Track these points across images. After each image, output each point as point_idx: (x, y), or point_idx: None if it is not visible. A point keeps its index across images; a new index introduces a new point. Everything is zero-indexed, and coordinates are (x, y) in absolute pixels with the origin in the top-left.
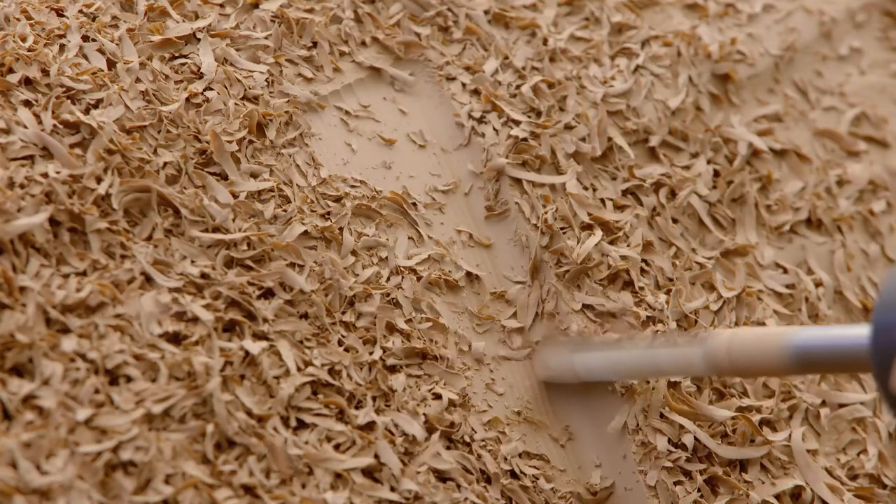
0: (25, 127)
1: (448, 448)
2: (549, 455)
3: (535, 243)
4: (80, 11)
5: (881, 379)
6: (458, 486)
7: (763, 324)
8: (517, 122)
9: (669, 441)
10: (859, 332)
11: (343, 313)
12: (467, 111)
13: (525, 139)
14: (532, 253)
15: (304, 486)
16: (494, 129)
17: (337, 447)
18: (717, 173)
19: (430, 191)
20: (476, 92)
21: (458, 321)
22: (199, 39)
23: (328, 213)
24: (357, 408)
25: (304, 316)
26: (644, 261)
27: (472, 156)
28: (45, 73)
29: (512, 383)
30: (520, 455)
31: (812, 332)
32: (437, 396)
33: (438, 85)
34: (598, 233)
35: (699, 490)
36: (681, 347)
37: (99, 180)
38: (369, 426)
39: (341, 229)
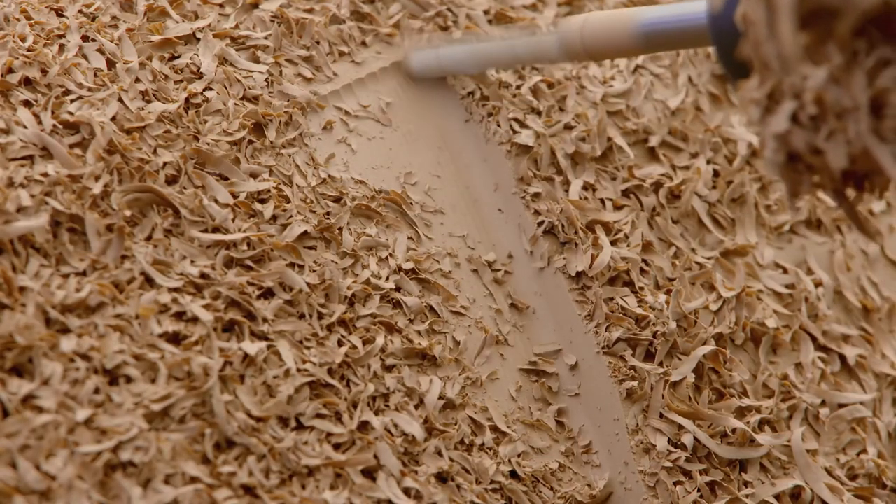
0: (25, 127)
1: (448, 448)
2: (549, 456)
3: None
4: (80, 11)
5: (718, 48)
6: (458, 487)
7: (764, 324)
8: (523, 124)
9: (669, 441)
10: (698, 7)
11: (343, 313)
12: (470, 110)
13: (530, 147)
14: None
15: (304, 487)
16: (499, 125)
17: (337, 447)
18: (717, 173)
19: (429, 191)
20: (479, 92)
21: (458, 321)
22: (198, 39)
23: (328, 213)
24: (356, 408)
25: (304, 316)
26: (644, 261)
27: (473, 155)
28: (45, 72)
29: (513, 383)
30: (520, 455)
31: (658, 10)
32: (437, 397)
33: (442, 84)
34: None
35: (699, 490)
36: (537, 36)
37: (98, 180)
38: (369, 426)
39: (341, 229)
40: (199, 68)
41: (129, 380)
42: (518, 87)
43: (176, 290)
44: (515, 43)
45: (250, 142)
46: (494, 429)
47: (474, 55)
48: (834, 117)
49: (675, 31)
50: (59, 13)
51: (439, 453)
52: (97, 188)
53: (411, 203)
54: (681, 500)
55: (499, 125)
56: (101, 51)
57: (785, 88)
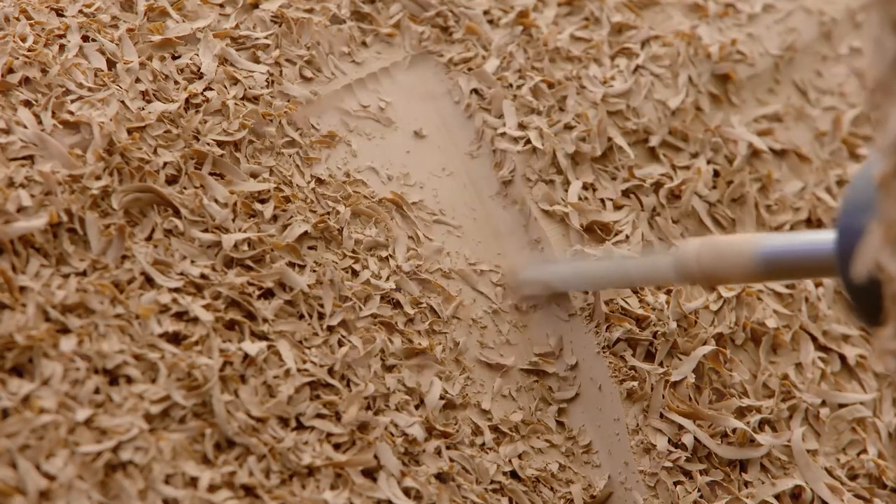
0: (25, 127)
1: (448, 448)
2: (549, 456)
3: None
4: (80, 11)
5: (846, 282)
6: (459, 487)
7: (764, 324)
8: (524, 124)
9: (669, 441)
10: (825, 237)
11: (343, 313)
12: (471, 110)
13: (531, 147)
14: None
15: (304, 487)
16: (500, 125)
17: (337, 447)
18: (717, 173)
19: (429, 191)
20: (479, 92)
21: (458, 321)
22: (199, 39)
23: (328, 213)
24: (357, 408)
25: (304, 316)
26: None
27: (473, 155)
28: (45, 72)
29: (513, 383)
30: (520, 456)
31: (780, 238)
32: (438, 396)
33: (442, 84)
34: None
35: (699, 490)
36: (651, 257)
37: (98, 180)
38: (369, 426)
39: (341, 229)
40: (199, 68)
41: (129, 380)
42: (518, 88)
43: (176, 290)
44: (628, 264)
45: (250, 142)
46: (494, 429)
47: (586, 275)
48: None
49: (799, 262)
50: (60, 13)
51: (439, 453)
52: (97, 188)
53: (411, 203)
54: (681, 500)
55: (499, 125)
56: (101, 51)
57: None
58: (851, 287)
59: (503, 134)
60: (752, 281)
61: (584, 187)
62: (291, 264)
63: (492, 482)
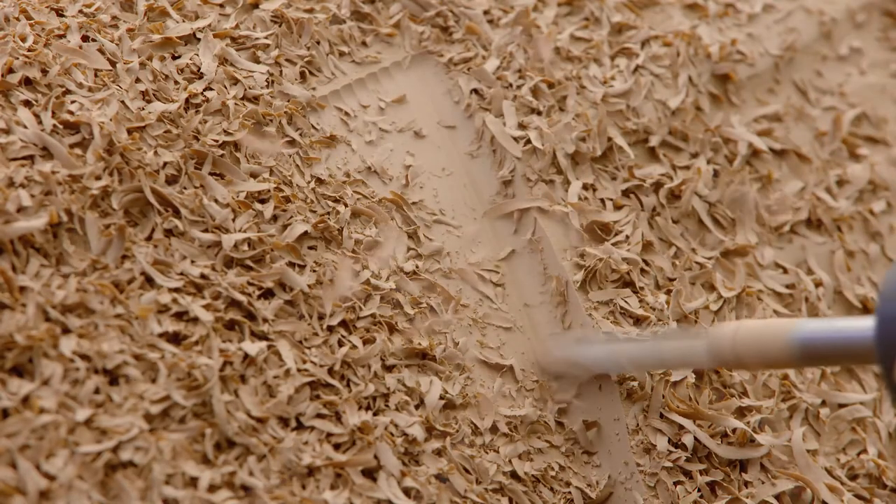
0: (25, 127)
1: (448, 448)
2: (549, 456)
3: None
4: (80, 11)
5: (886, 369)
6: (459, 487)
7: None
8: (524, 124)
9: (669, 441)
10: (864, 324)
11: (343, 313)
12: (471, 110)
13: (531, 147)
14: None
15: (304, 487)
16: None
17: (337, 447)
18: (717, 173)
19: (429, 191)
20: (479, 92)
21: (458, 321)
22: (199, 39)
23: (328, 213)
24: (357, 408)
25: (304, 316)
26: (644, 261)
27: (473, 155)
28: (45, 72)
29: (513, 383)
30: (520, 456)
31: (816, 324)
32: (438, 397)
33: (442, 84)
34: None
35: (699, 490)
36: (685, 340)
37: (99, 180)
38: (369, 427)
39: (341, 229)
40: (199, 68)
41: (129, 380)
42: (518, 88)
43: (176, 290)
44: (662, 347)
45: None
46: (494, 429)
47: (619, 358)
48: None
49: (836, 348)
50: (60, 13)
51: (439, 453)
52: (97, 188)
53: (411, 203)
54: (681, 500)
55: (500, 125)
56: (101, 51)
57: None
58: (891, 375)
59: (503, 134)
60: (788, 367)
61: (584, 187)
62: (291, 264)
63: (492, 482)
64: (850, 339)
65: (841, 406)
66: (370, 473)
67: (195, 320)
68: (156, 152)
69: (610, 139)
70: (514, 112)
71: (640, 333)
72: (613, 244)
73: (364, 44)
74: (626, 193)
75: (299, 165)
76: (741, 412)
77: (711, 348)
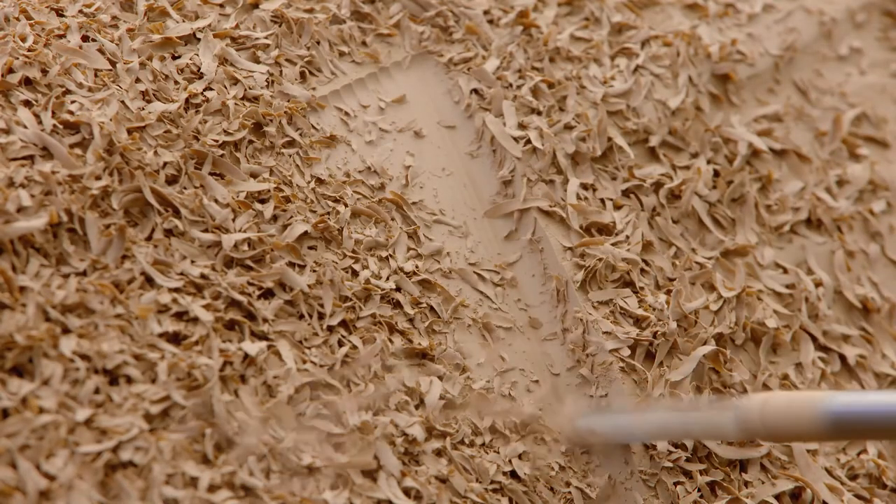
0: (25, 127)
1: (448, 448)
2: (550, 456)
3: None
4: (80, 11)
5: None
6: (459, 487)
7: (764, 324)
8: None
9: (669, 441)
10: None
11: (343, 313)
12: (471, 111)
13: (531, 147)
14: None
15: (304, 487)
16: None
17: (337, 447)
18: (717, 173)
19: (429, 191)
20: (479, 92)
21: (458, 321)
22: (199, 39)
23: (328, 213)
24: (357, 408)
25: (304, 316)
26: (644, 261)
27: (473, 155)
28: (45, 72)
29: (513, 383)
30: (520, 456)
31: (848, 397)
32: (437, 396)
33: (442, 84)
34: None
35: (699, 490)
36: (712, 411)
37: (99, 180)
38: (369, 427)
39: (341, 229)
40: (199, 68)
41: (129, 380)
42: (518, 88)
43: (176, 290)
44: (689, 419)
45: (250, 142)
46: (494, 429)
47: (645, 428)
48: None
49: (869, 422)
50: (60, 13)
51: (439, 453)
52: (97, 188)
53: (411, 203)
54: (681, 500)
55: (500, 125)
56: (101, 51)
57: None
58: None
59: (503, 134)
60: (819, 440)
61: (585, 187)
62: (291, 264)
63: (492, 482)
64: (882, 413)
65: None
66: (370, 473)
67: (195, 320)
68: (156, 152)
69: (610, 139)
70: (514, 112)
71: (665, 403)
72: (613, 244)
73: (364, 44)
74: (626, 193)
75: (299, 165)
76: None
77: (739, 420)
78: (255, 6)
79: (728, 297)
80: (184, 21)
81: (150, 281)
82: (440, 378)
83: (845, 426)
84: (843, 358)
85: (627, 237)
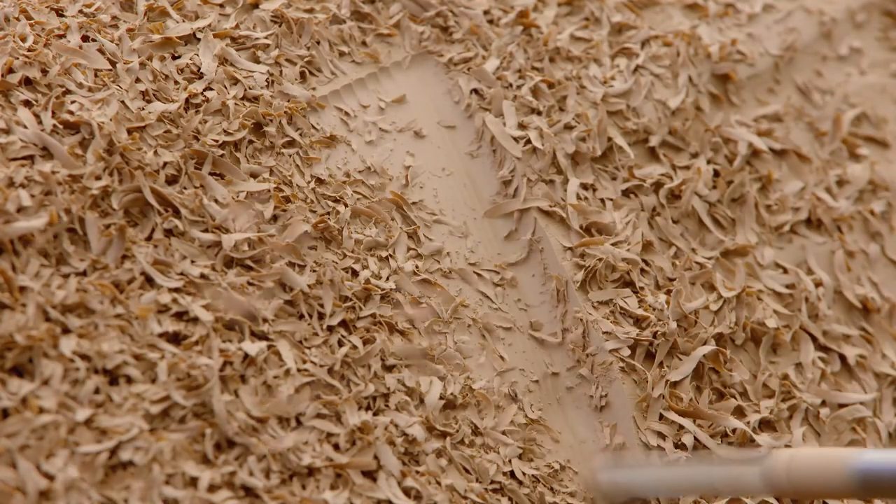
0: (25, 127)
1: (448, 448)
2: (549, 456)
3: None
4: (80, 11)
5: None
6: (458, 487)
7: (764, 324)
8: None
9: (670, 441)
10: None
11: (343, 313)
12: (471, 111)
13: (531, 147)
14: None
15: (304, 487)
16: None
17: (337, 447)
18: (717, 173)
19: (429, 191)
20: (479, 92)
21: (458, 321)
22: (199, 39)
23: (328, 213)
24: (357, 408)
25: (304, 316)
26: (644, 261)
27: (473, 155)
28: (45, 72)
29: (513, 382)
30: (520, 456)
31: (878, 455)
32: (437, 396)
33: (442, 84)
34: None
35: None
36: (737, 467)
37: (99, 180)
38: (369, 427)
39: (341, 229)
40: (199, 68)
41: (129, 380)
42: (518, 88)
43: (176, 290)
44: (714, 475)
45: (250, 142)
46: (495, 429)
47: (670, 484)
48: None
49: None
50: (60, 13)
51: (439, 453)
52: (97, 188)
53: (411, 203)
54: (681, 500)
55: (500, 125)
56: (101, 51)
57: None
58: None
59: (503, 134)
60: (847, 497)
61: (585, 187)
62: (291, 264)
63: (492, 482)
64: None
65: (841, 406)
66: (370, 473)
67: (195, 320)
68: (156, 152)
69: (610, 139)
70: (514, 112)
71: (690, 458)
72: (613, 244)
73: (364, 44)
74: (626, 193)
75: (299, 165)
76: (741, 412)
77: (765, 476)
78: (255, 6)
79: (728, 297)
80: (184, 21)
81: (150, 281)
82: (440, 378)
83: (874, 484)
84: (843, 358)
85: (627, 237)
